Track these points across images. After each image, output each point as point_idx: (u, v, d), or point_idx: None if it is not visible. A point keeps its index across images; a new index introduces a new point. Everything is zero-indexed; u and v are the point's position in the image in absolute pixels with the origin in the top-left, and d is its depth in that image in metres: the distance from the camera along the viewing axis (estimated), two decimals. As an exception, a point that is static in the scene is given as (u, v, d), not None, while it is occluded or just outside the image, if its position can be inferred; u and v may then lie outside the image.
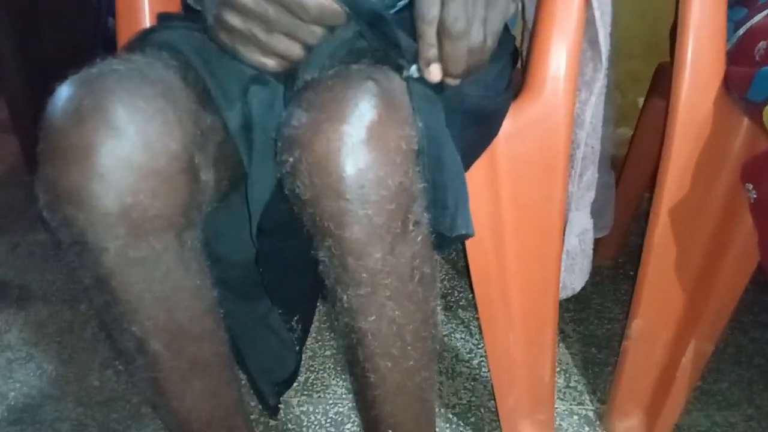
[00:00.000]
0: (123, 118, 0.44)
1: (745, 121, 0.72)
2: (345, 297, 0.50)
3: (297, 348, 0.74)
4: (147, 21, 0.77)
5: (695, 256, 0.76)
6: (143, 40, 0.56)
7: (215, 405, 0.59)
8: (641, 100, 1.40)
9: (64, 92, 0.46)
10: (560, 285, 0.85)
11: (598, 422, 0.94)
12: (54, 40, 1.64)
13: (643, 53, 1.36)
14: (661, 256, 0.77)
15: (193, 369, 0.55)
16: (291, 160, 0.45)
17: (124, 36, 0.78)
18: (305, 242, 0.64)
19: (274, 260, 0.64)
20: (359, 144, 0.44)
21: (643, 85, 1.29)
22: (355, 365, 0.55)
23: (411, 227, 0.48)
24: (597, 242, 0.92)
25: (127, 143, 0.44)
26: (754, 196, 0.67)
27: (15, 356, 1.07)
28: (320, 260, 0.50)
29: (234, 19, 0.51)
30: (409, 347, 0.53)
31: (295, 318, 0.71)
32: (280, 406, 0.91)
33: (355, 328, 0.51)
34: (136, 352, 0.52)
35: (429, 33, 0.49)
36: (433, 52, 0.50)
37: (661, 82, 1.05)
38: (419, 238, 0.50)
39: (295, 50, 0.53)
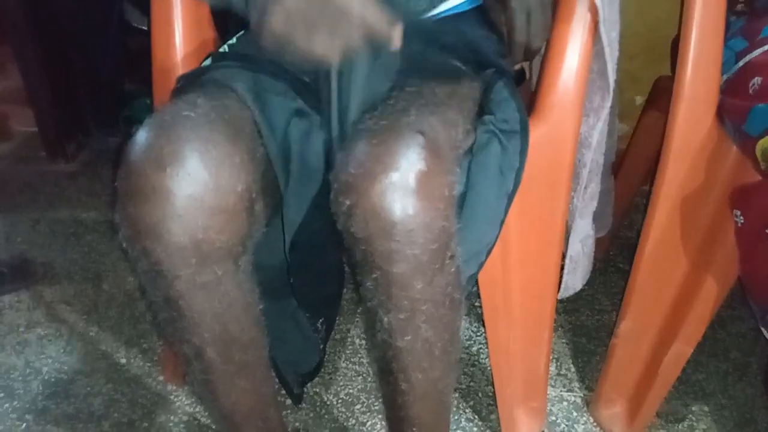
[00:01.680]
0: (198, 165, 0.50)
1: (734, 148, 0.78)
2: (386, 319, 0.57)
3: (321, 346, 0.81)
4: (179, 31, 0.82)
5: (681, 269, 0.84)
6: (200, 77, 0.62)
7: (255, 400, 0.67)
8: (638, 98, 1.46)
9: (143, 138, 0.52)
10: (563, 286, 0.92)
11: (585, 408, 1.03)
12: (67, 7, 1.64)
13: (642, 53, 1.42)
14: (650, 267, 0.85)
15: (240, 372, 0.63)
16: (348, 203, 0.52)
17: (159, 48, 0.84)
18: (331, 257, 0.72)
19: (304, 272, 0.71)
20: (409, 193, 0.51)
21: (641, 85, 1.35)
22: (388, 374, 0.62)
23: (447, 261, 0.55)
24: (591, 240, 0.99)
25: (202, 187, 0.50)
26: (741, 221, 0.74)
27: (45, 332, 1.14)
28: (366, 287, 0.56)
29: (277, 23, 0.54)
30: (436, 360, 0.61)
31: (320, 320, 0.78)
32: (303, 394, 0.99)
33: (393, 345, 0.59)
34: (193, 359, 0.60)
35: (519, 51, 0.66)
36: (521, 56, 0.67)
37: (659, 96, 1.11)
38: (453, 269, 0.57)
39: (334, 53, 0.55)
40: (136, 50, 1.73)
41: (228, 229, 0.53)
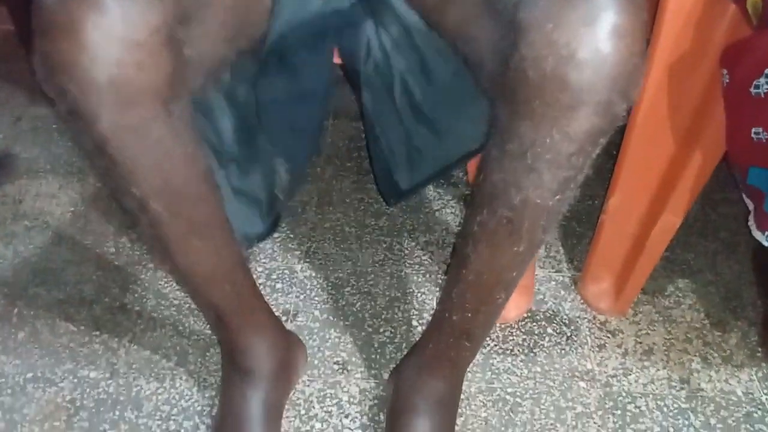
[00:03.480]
0: None
1: (732, 8, 0.74)
2: (546, 176, 0.52)
3: (269, 210, 0.79)
4: None
5: (671, 140, 0.82)
6: None
7: (216, 262, 0.66)
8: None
9: None
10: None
11: (573, 287, 1.04)
12: None
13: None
14: (640, 139, 0.83)
15: (192, 229, 0.61)
16: (569, 48, 0.47)
17: None
18: (304, 97, 0.70)
19: (273, 101, 0.70)
20: (634, 43, 0.47)
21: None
22: (510, 234, 0.58)
23: None
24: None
25: (109, 18, 0.47)
26: (727, 80, 0.71)
27: (32, 224, 1.14)
28: (541, 140, 0.51)
29: None
30: (560, 219, 0.59)
31: (285, 167, 0.76)
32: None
33: (539, 205, 0.55)
34: (138, 212, 0.59)
35: None
36: None
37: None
38: None
39: None
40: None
41: (147, 66, 0.50)
